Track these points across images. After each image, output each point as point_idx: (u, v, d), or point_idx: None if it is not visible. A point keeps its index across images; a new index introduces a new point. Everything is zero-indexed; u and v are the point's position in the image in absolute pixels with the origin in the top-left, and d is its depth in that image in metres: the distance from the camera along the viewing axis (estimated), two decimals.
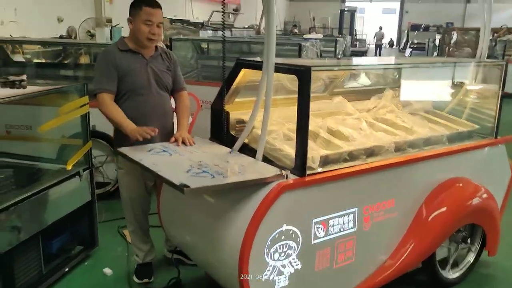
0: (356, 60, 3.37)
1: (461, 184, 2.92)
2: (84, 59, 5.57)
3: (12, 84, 2.73)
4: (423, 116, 3.32)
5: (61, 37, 8.10)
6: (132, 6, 2.68)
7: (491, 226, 3.06)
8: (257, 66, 2.39)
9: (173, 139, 2.67)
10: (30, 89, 2.79)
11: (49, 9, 10.93)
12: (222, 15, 2.67)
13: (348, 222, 2.46)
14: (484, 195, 2.97)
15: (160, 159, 2.39)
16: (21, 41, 5.73)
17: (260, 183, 2.18)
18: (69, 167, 2.88)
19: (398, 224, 2.71)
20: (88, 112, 2.99)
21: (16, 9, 9.94)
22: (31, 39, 6.41)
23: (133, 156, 2.38)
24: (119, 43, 2.75)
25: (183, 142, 2.62)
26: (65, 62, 5.63)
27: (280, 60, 2.34)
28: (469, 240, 3.06)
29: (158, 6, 2.67)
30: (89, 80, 5.07)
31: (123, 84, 2.67)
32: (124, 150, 2.50)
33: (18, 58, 5.94)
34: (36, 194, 2.69)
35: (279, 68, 2.28)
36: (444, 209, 2.78)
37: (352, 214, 2.46)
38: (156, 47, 2.80)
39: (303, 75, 2.18)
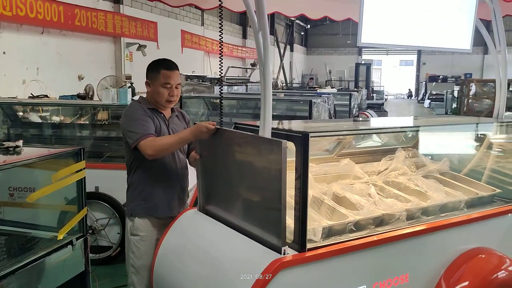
0: (365, 123, 3.21)
1: (483, 256, 2.64)
2: (101, 116, 5.53)
3: (6, 151, 2.66)
4: (438, 179, 3.10)
5: (78, 94, 8.20)
6: (150, 69, 2.68)
7: None
8: (254, 131, 2.26)
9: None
10: (26, 155, 2.72)
11: (71, 68, 11.25)
12: (220, 70, 2.74)
13: None
14: (511, 268, 2.68)
15: None
16: (25, 103, 5.69)
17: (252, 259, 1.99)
18: (60, 237, 2.74)
19: None
20: (84, 178, 2.88)
21: (38, 68, 10.30)
22: (33, 101, 6.33)
23: None
24: (143, 101, 2.72)
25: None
26: (81, 122, 5.61)
27: (280, 125, 2.22)
28: None
29: (176, 68, 2.68)
30: (104, 140, 5.14)
31: None
32: None
33: (35, 118, 6.00)
34: (25, 266, 2.53)
35: (276, 134, 2.14)
36: (465, 283, 2.50)
37: None
38: (172, 108, 2.79)
39: (300, 142, 2.03)
